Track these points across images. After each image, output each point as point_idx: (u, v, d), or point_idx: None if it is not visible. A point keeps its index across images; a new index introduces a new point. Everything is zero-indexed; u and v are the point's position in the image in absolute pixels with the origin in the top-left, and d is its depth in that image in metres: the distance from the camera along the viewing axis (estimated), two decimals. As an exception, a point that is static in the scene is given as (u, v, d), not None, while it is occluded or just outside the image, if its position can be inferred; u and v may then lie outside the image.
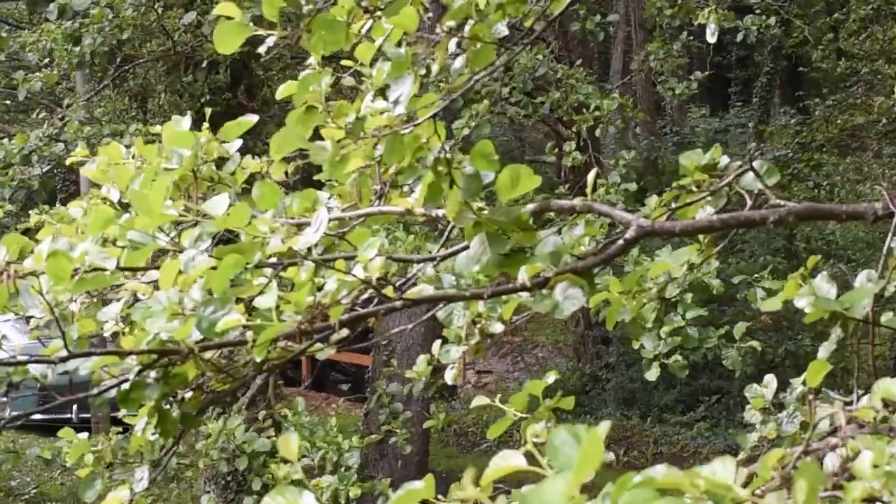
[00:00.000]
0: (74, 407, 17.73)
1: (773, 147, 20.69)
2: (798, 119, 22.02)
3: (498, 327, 3.32)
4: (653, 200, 3.39)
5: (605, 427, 1.93)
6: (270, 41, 2.87)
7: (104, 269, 2.67)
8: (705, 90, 26.55)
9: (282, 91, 3.80)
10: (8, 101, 19.89)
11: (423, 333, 12.47)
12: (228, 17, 2.90)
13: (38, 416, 18.11)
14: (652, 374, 5.17)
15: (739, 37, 9.49)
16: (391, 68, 2.93)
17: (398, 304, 2.95)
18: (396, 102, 2.89)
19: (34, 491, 13.77)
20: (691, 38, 10.76)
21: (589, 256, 3.05)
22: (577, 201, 3.15)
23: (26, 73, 9.92)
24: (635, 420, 16.25)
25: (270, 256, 3.07)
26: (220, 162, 3.80)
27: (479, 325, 3.25)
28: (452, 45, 2.99)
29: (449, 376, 3.49)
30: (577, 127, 9.34)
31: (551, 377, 4.28)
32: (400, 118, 2.87)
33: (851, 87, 21.24)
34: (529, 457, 2.03)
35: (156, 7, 9.41)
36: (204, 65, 9.56)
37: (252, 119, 3.66)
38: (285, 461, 8.16)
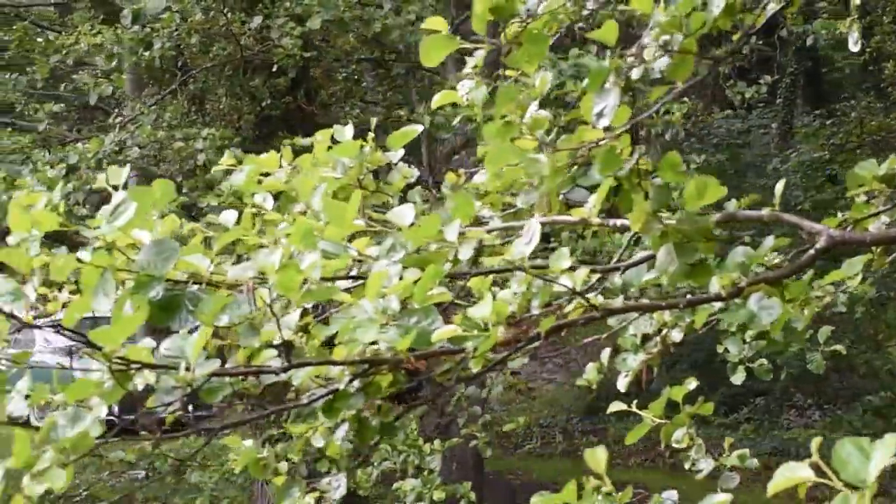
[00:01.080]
0: (115, 408, 17.70)
1: (809, 149, 20.69)
2: (832, 121, 22.00)
3: (677, 336, 3.34)
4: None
5: (891, 440, 1.96)
6: (479, 54, 2.90)
7: (331, 280, 2.70)
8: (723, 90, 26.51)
9: (437, 100, 3.83)
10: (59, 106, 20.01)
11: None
12: (433, 31, 2.92)
13: (79, 418, 18.17)
14: (738, 378, 5.19)
15: (810, 41, 9.52)
16: (590, 80, 2.96)
17: (597, 313, 2.98)
18: (600, 115, 2.91)
19: (85, 493, 13.79)
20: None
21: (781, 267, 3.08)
22: (765, 212, 3.18)
23: (89, 77, 9.97)
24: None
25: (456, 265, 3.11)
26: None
27: (662, 334, 3.28)
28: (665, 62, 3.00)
29: (622, 384, 3.52)
30: (645, 131, 9.36)
31: (692, 383, 4.31)
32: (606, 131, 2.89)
33: (888, 88, 21.22)
34: (816, 468, 2.06)
35: (225, 12, 9.45)
36: (275, 69, 9.61)
37: (417, 128, 3.68)
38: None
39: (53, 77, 27.31)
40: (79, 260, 2.77)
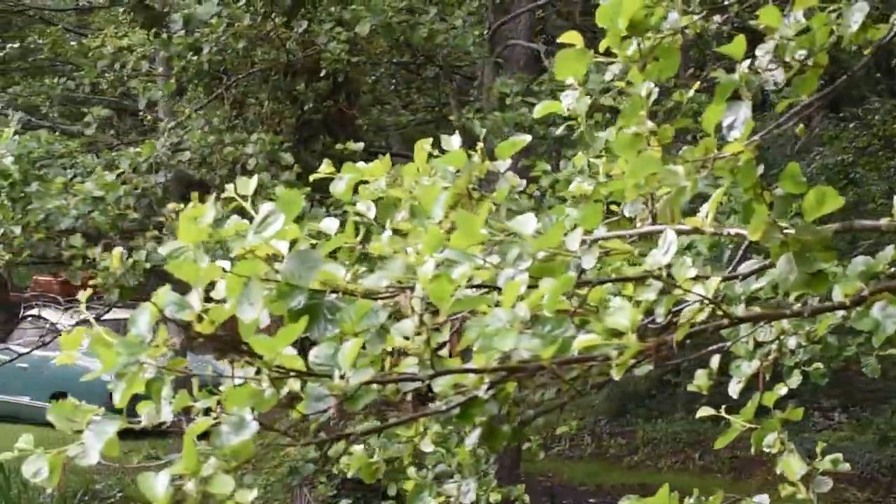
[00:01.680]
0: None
1: (832, 152, 20.72)
2: (854, 123, 22.03)
3: (793, 343, 3.40)
4: None
5: None
6: (615, 69, 2.96)
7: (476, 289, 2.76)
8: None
9: (540, 109, 3.89)
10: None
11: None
12: (569, 45, 2.98)
13: (106, 420, 18.23)
14: (794, 382, 5.25)
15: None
16: (719, 92, 3.01)
17: (725, 321, 3.04)
18: (731, 128, 2.97)
19: (119, 495, 13.88)
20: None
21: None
22: (883, 221, 3.23)
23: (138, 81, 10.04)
24: (707, 424, 16.29)
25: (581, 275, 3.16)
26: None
27: (779, 342, 3.33)
28: (780, 74, 3.06)
29: (734, 390, 3.58)
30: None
31: (783, 389, 4.36)
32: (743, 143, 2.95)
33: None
34: None
35: (273, 17, 9.52)
36: (322, 73, 9.67)
37: (526, 138, 3.74)
38: (420, 467, 8.27)
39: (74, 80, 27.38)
40: (224, 269, 2.83)
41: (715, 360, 3.65)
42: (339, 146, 8.87)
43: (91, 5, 19.27)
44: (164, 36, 10.07)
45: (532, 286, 2.96)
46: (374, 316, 2.94)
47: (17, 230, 7.58)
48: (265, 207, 2.91)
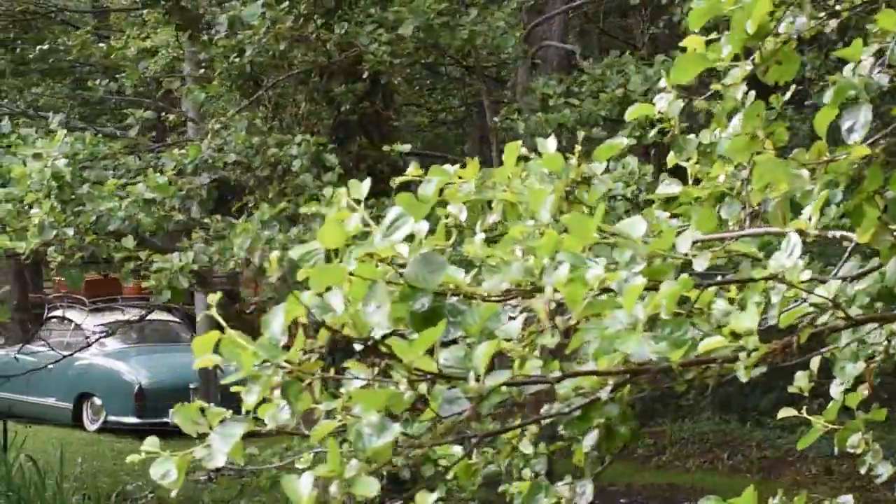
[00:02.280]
0: (171, 411, 17.76)
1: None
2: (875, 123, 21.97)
3: (899, 345, 3.42)
4: None
5: None
6: (735, 73, 2.97)
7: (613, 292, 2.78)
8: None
9: (632, 112, 3.90)
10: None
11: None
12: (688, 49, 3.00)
13: (133, 420, 18.32)
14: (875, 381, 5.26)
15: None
16: (835, 95, 3.03)
17: (841, 323, 3.06)
18: (851, 131, 2.99)
19: (151, 495, 13.91)
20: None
21: None
22: None
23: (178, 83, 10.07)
24: (734, 424, 16.33)
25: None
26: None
27: (891, 344, 3.35)
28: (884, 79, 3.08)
29: (835, 392, 3.60)
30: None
31: (865, 390, 4.37)
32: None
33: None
34: None
35: (315, 18, 9.54)
36: (365, 76, 9.70)
37: (623, 141, 3.75)
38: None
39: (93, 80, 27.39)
40: (351, 273, 2.85)
41: (815, 362, 3.67)
42: (385, 147, 8.91)
43: (116, 7, 19.27)
44: (205, 38, 10.11)
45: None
46: (497, 319, 2.98)
47: (70, 232, 7.61)
48: (393, 211, 2.92)
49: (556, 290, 2.81)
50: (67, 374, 18.91)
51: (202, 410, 3.00)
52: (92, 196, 7.70)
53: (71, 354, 14.72)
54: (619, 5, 19.43)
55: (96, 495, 12.96)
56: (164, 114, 17.35)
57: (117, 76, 15.52)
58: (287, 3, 9.43)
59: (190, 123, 14.89)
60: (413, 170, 4.34)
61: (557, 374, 2.88)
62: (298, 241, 8.02)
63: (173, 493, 3.01)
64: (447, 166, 4.12)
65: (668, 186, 4.07)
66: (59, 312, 19.44)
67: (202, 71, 10.31)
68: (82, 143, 8.29)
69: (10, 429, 16.75)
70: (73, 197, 7.86)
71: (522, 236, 3.36)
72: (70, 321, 19.39)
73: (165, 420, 18.01)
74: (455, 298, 3.01)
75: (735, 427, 16.22)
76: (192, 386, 18.16)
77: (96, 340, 14.13)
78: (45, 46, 20.52)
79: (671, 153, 4.01)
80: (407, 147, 8.89)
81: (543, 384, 2.88)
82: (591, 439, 3.19)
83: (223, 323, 2.91)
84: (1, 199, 7.93)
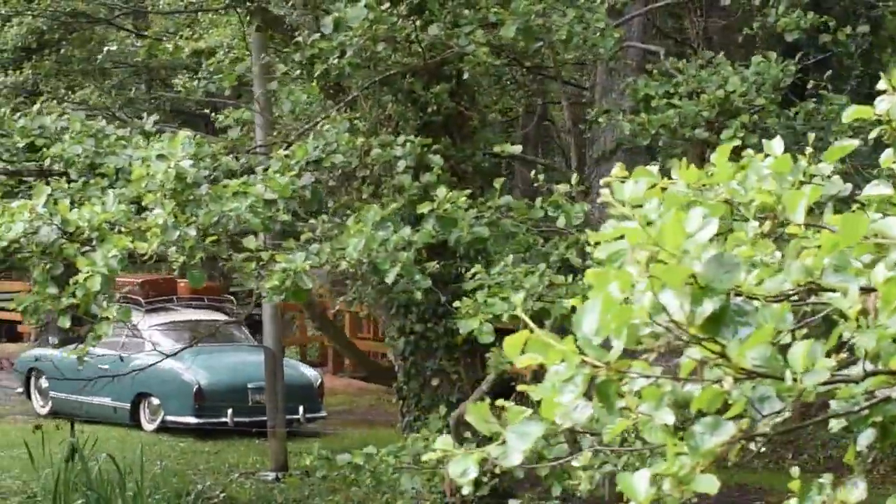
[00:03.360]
0: (230, 411, 17.95)
1: None
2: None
3: None
4: None
5: None
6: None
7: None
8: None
9: (850, 115, 3.91)
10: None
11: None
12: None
13: (192, 420, 18.35)
14: None
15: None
16: None
17: None
18: None
19: (222, 495, 13.95)
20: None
21: None
22: None
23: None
24: (797, 423, 16.30)
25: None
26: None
27: None
28: None
29: None
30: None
31: None
32: None
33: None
34: None
35: (413, 20, 9.57)
36: (462, 75, 9.73)
37: (853, 143, 3.76)
38: (586, 469, 8.31)
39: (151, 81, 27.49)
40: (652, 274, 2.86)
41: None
42: (497, 148, 8.94)
43: (171, 9, 19.30)
44: (298, 39, 10.15)
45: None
46: (784, 319, 2.99)
47: (192, 232, 7.65)
48: (695, 213, 2.94)
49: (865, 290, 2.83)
50: (123, 375, 18.93)
51: (498, 409, 3.03)
52: (214, 197, 7.74)
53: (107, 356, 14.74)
54: (668, 4, 19.42)
55: (174, 495, 13.00)
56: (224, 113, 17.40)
57: (197, 77, 15.57)
58: (388, 4, 9.46)
59: (258, 125, 14.94)
60: (617, 171, 4.36)
61: (859, 371, 2.90)
62: (423, 241, 8.03)
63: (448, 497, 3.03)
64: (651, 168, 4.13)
65: (878, 187, 4.08)
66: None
67: (288, 72, 10.33)
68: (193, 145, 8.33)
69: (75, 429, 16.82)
70: (191, 197, 7.89)
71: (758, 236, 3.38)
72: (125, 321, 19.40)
73: (224, 420, 18.06)
74: (739, 299, 3.03)
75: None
76: (250, 386, 18.21)
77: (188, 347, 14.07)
78: (112, 47, 20.49)
79: (885, 153, 4.02)
80: (518, 148, 8.92)
81: (848, 383, 2.90)
82: (866, 438, 3.20)
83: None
84: (116, 199, 7.97)
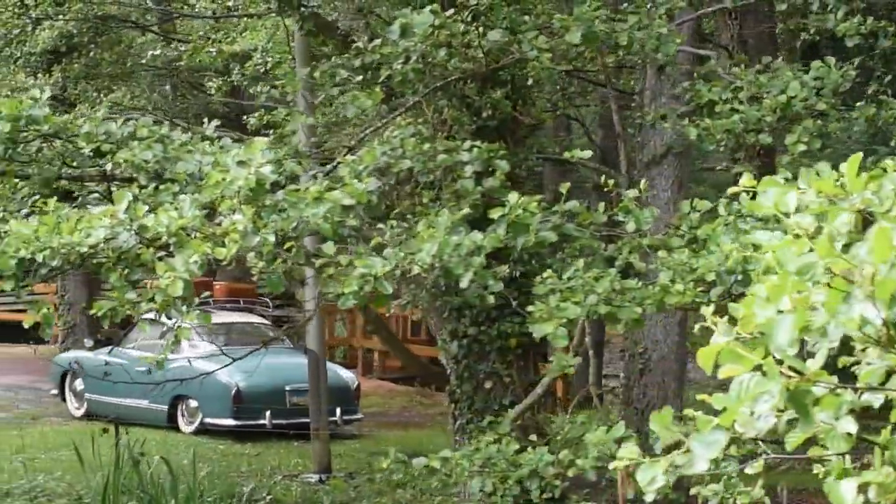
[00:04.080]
0: (268, 413, 18.02)
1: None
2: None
3: None
4: None
5: None
6: None
7: None
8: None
9: None
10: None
11: (677, 343, 12.68)
12: None
13: (231, 422, 18.43)
14: None
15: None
16: None
17: None
18: None
19: (269, 497, 14.02)
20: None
21: None
22: None
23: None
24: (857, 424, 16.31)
25: None
26: None
27: None
28: None
29: None
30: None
31: None
32: None
33: None
34: None
35: (476, 26, 9.63)
36: (515, 80, 9.81)
37: None
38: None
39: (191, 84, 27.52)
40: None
41: None
42: (567, 154, 8.99)
43: (223, 14, 19.39)
44: (359, 44, 10.21)
45: None
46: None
47: (272, 238, 7.71)
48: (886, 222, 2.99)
49: None
50: (162, 377, 19.01)
51: (679, 418, 3.08)
52: (293, 202, 7.80)
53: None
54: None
55: (225, 497, 13.07)
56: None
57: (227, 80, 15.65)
58: (452, 10, 9.52)
59: (301, 128, 15.00)
60: (746, 180, 4.42)
61: None
62: (492, 246, 8.08)
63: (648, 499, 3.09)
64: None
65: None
66: (150, 315, 19.55)
67: (349, 77, 10.40)
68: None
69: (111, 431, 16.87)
70: (267, 203, 7.95)
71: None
72: (162, 323, 19.47)
73: (262, 422, 18.14)
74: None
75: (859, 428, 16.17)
76: (287, 388, 18.29)
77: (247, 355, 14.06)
78: (156, 51, 20.55)
79: None
80: (588, 153, 8.98)
81: None
82: None
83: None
84: (192, 205, 8.03)
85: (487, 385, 11.87)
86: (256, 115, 18.35)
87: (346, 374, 19.17)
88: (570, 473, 8.31)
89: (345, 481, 14.86)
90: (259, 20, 19.30)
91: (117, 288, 8.12)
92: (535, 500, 8.78)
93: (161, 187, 8.80)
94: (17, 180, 10.37)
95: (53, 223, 8.11)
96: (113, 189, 10.91)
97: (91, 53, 25.08)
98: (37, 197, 11.04)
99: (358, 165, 8.93)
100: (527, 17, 9.99)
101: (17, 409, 21.88)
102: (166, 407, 19.09)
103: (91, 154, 9.59)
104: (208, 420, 18.54)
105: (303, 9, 11.73)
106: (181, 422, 19.05)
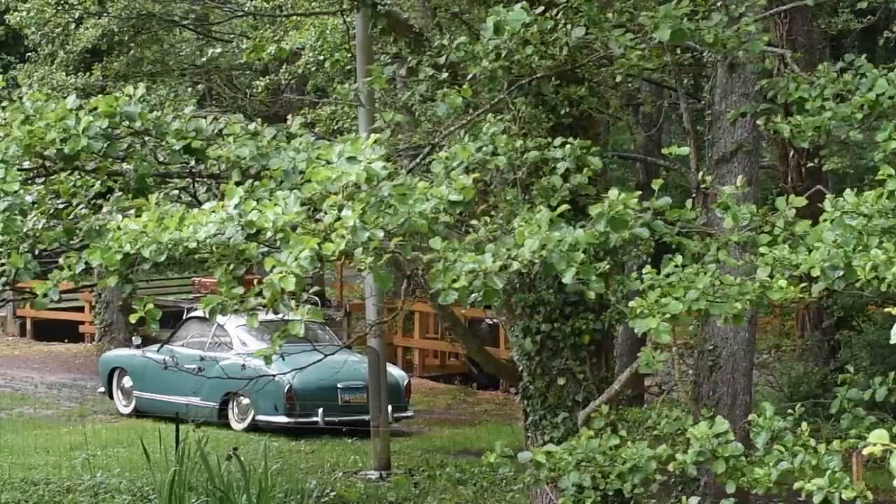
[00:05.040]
0: (320, 410, 18.07)
1: None
2: None
3: None
4: None
5: None
6: None
7: None
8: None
9: None
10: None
11: (746, 340, 12.73)
12: None
13: (283, 420, 18.50)
14: None
15: None
16: None
17: None
18: None
19: (332, 493, 14.09)
20: None
21: None
22: None
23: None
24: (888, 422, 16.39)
25: None
26: None
27: None
28: None
29: None
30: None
31: None
32: None
33: None
34: None
35: (564, 23, 9.66)
36: (619, 79, 9.84)
37: None
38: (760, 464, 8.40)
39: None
40: None
41: None
42: (665, 150, 9.02)
43: (293, 12, 19.45)
44: (443, 42, 10.26)
45: None
46: None
47: (380, 234, 7.75)
48: None
49: None
50: (212, 374, 19.10)
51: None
52: (403, 198, 7.84)
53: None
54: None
55: (295, 493, 13.14)
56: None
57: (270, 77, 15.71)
58: (541, 7, 9.57)
59: (362, 126, 15.10)
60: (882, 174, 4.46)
61: None
62: (588, 242, 8.12)
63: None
64: None
65: None
66: (199, 313, 19.63)
67: (434, 75, 10.45)
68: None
69: (161, 428, 16.97)
70: (372, 199, 7.99)
71: None
72: (211, 322, 19.56)
73: (315, 419, 18.21)
74: None
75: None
76: (339, 385, 18.37)
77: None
78: (217, 49, 20.62)
79: None
80: (686, 150, 9.02)
81: None
82: None
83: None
84: (297, 201, 8.07)
85: (560, 381, 11.92)
86: (301, 111, 18.44)
87: (397, 372, 19.26)
88: (671, 468, 8.34)
89: (406, 478, 14.93)
90: (307, 19, 19.34)
91: (222, 283, 8.17)
92: (627, 495, 8.81)
93: (256, 183, 8.85)
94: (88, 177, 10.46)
95: (156, 219, 8.17)
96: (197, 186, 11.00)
97: (131, 52, 25.19)
98: (119, 194, 11.16)
99: (452, 161, 8.95)
100: (610, 15, 10.03)
101: (62, 407, 22.00)
102: (217, 404, 19.17)
103: (181, 151, 9.63)
104: (261, 417, 18.62)
105: (378, 7, 11.78)
106: (232, 419, 19.13)
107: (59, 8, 23.28)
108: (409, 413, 19.14)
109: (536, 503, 12.37)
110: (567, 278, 8.12)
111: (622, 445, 8.54)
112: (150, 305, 8.39)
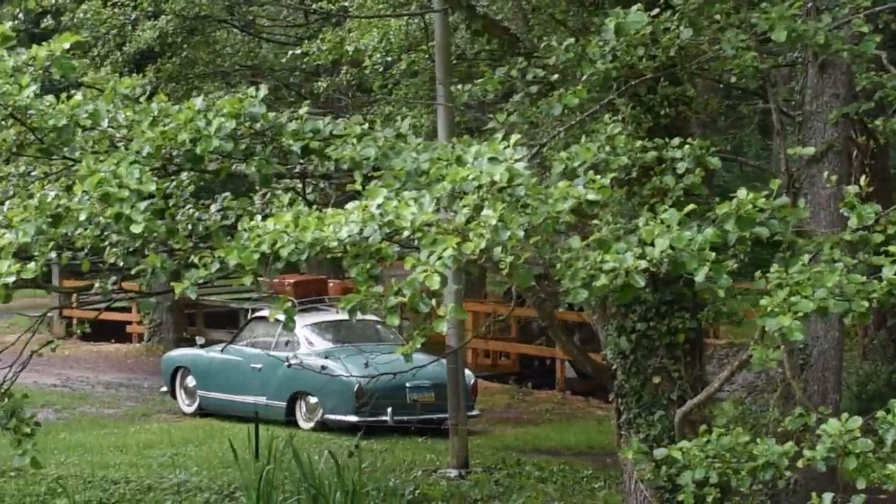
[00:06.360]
0: (390, 409, 18.16)
1: None
2: None
3: None
4: None
5: None
6: None
7: None
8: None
9: None
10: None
11: (836, 339, 12.80)
12: None
13: (352, 419, 18.59)
14: None
15: None
16: None
17: None
18: None
19: (417, 492, 14.19)
20: None
21: None
22: None
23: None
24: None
25: None
26: None
27: None
28: None
29: None
30: None
31: None
32: None
33: None
34: None
35: (675, 24, 9.75)
36: (733, 79, 9.93)
37: None
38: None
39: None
40: None
41: None
42: (790, 150, 9.11)
43: (360, 14, 19.54)
44: (549, 43, 10.35)
45: None
46: None
47: (521, 233, 7.84)
48: None
49: None
50: (278, 374, 19.23)
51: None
52: (542, 199, 7.94)
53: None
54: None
55: (387, 491, 13.24)
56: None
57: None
58: (657, 10, 9.67)
59: (440, 125, 15.20)
60: None
61: None
62: (711, 241, 8.20)
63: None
64: None
65: None
66: (264, 313, 19.77)
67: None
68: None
69: (227, 427, 17.09)
70: (509, 198, 8.08)
71: None
72: (277, 321, 19.67)
73: (384, 418, 18.29)
74: None
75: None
76: (408, 385, 18.44)
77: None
78: (298, 50, 20.69)
79: None
80: (811, 150, 9.11)
81: None
82: None
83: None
84: (433, 201, 8.16)
85: (655, 380, 12.02)
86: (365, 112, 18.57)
87: (465, 372, 19.34)
88: (800, 465, 8.42)
89: (484, 475, 15.03)
90: (370, 21, 19.45)
91: (359, 283, 8.26)
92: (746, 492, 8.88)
93: (380, 184, 8.93)
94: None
95: (294, 218, 8.27)
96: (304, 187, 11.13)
97: (184, 54, 25.29)
98: (227, 194, 11.28)
99: (574, 161, 9.04)
100: (718, 17, 10.11)
101: (123, 406, 22.13)
102: (285, 403, 19.28)
103: (299, 151, 9.74)
104: (329, 416, 18.71)
105: (474, 8, 11.89)
106: (300, 418, 19.23)
107: (117, 9, 23.41)
108: (476, 412, 19.24)
109: (630, 500, 12.44)
110: (700, 277, 8.20)
111: (751, 442, 8.63)
112: (288, 305, 8.47)
